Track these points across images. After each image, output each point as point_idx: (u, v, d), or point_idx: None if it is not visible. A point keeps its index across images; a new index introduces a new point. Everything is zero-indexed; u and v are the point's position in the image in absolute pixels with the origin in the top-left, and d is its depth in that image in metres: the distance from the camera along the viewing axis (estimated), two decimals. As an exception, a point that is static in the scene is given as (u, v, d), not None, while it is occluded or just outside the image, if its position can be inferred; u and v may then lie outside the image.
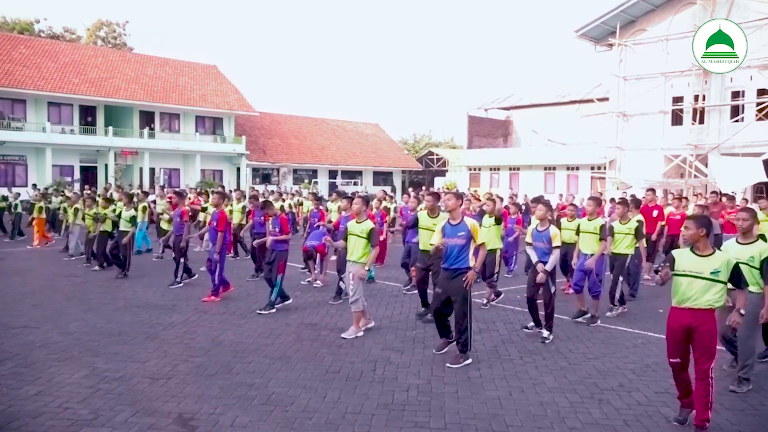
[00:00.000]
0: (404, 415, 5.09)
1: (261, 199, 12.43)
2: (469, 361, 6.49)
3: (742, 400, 5.52)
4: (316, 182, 43.44)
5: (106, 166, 36.36)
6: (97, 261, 12.97)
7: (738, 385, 5.75)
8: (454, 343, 6.63)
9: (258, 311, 8.81)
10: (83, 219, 14.09)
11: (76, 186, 32.72)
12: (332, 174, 47.74)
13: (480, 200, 12.49)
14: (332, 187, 41.90)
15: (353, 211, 7.97)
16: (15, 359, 6.47)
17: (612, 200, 17.48)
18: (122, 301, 9.65)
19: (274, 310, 8.85)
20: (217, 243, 9.62)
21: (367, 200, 8.12)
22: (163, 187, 22.65)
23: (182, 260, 11.04)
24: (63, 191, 21.42)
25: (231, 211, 13.77)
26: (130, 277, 11.84)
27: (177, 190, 18.58)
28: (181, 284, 10.90)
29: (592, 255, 8.47)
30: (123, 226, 12.27)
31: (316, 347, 7.08)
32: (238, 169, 42.39)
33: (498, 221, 9.54)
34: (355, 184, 46.16)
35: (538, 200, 8.79)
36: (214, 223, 9.77)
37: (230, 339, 7.38)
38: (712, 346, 4.78)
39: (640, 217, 9.64)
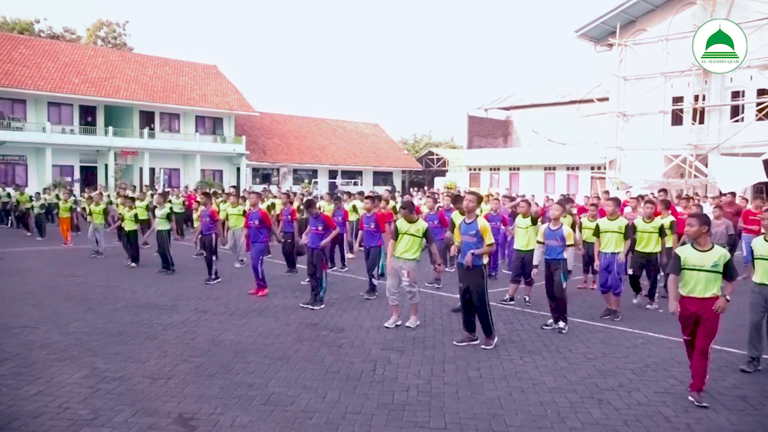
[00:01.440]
0: (404, 415, 5.09)
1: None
2: (495, 340, 7.17)
3: (742, 400, 5.53)
4: (316, 182, 43.45)
5: (106, 166, 36.35)
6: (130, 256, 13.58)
7: (747, 365, 6.33)
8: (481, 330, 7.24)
9: (311, 307, 9.11)
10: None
11: (77, 186, 32.74)
12: (332, 174, 47.73)
13: (498, 200, 12.72)
14: (332, 187, 41.89)
15: (404, 213, 8.22)
16: (15, 359, 6.47)
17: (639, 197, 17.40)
18: (122, 301, 9.65)
19: (323, 305, 9.16)
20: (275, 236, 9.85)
21: (411, 203, 8.60)
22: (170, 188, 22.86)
23: (213, 258, 11.47)
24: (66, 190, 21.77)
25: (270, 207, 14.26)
26: (130, 277, 11.86)
27: (205, 191, 18.89)
28: (219, 279, 11.40)
29: (613, 254, 8.74)
30: (161, 225, 12.87)
31: (316, 347, 7.08)
32: (238, 169, 42.39)
33: (533, 221, 9.68)
34: (355, 184, 46.16)
35: (567, 200, 9.17)
36: (256, 222, 9.98)
37: (230, 339, 7.38)
38: (714, 328, 5.43)
39: (671, 217, 9.89)
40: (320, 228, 9.36)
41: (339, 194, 17.62)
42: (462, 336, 7.33)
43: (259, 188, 32.48)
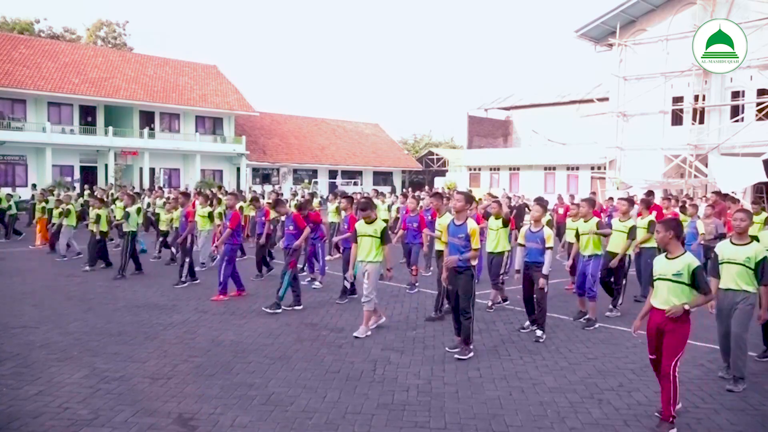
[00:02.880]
0: (404, 415, 5.09)
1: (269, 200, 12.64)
2: (472, 354, 6.71)
3: (742, 400, 5.52)
4: (316, 182, 43.46)
5: (106, 166, 36.35)
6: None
7: (734, 384, 5.79)
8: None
9: (264, 309, 8.88)
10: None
11: (77, 186, 32.73)
12: (332, 174, 47.75)
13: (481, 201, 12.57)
14: (332, 187, 41.90)
15: (362, 214, 7.92)
16: (15, 359, 6.47)
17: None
18: (122, 301, 9.65)
19: (280, 311, 8.89)
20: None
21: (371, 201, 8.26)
22: (161, 188, 22.71)
23: (187, 260, 11.13)
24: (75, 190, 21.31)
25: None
26: (130, 278, 11.84)
27: (183, 190, 18.52)
28: (186, 284, 10.97)
29: (589, 257, 8.43)
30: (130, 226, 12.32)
31: (316, 347, 7.08)
32: (238, 169, 42.39)
33: (505, 223, 9.56)
34: (355, 184, 46.16)
35: (539, 201, 8.94)
36: (291, 227, 9.49)
37: (230, 339, 7.38)
38: (676, 346, 4.85)
39: (651, 217, 9.79)
40: (291, 228, 9.35)
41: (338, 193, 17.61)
42: (454, 343, 7.06)
43: (259, 188, 32.59)
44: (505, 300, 9.67)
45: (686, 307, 4.83)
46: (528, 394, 5.62)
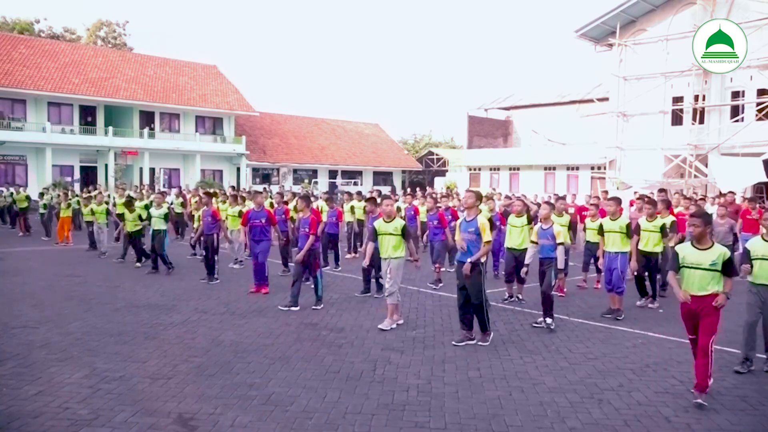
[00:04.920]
0: (404, 415, 5.08)
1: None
2: (491, 336, 7.29)
3: (742, 400, 5.53)
4: (316, 182, 43.46)
5: (106, 166, 36.37)
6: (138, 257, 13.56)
7: (741, 365, 6.29)
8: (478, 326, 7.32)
9: (313, 307, 9.06)
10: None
11: (77, 186, 32.72)
12: (332, 174, 47.75)
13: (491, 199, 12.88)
14: (332, 187, 41.90)
15: (384, 211, 8.13)
16: (15, 359, 6.47)
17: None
18: (122, 301, 9.65)
19: (322, 306, 9.15)
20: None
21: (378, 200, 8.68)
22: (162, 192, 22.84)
23: (216, 258, 11.45)
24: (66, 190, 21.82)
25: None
26: (130, 278, 11.86)
27: (208, 190, 18.73)
28: (218, 281, 11.33)
29: (617, 253, 8.81)
30: (157, 224, 12.73)
31: (316, 347, 7.08)
32: (238, 169, 42.41)
33: (530, 220, 9.74)
34: (355, 184, 46.15)
35: (549, 201, 9.33)
36: (306, 229, 9.42)
37: (230, 339, 7.38)
38: (713, 325, 5.43)
39: (671, 217, 9.95)
40: (306, 229, 9.38)
41: (335, 195, 17.62)
42: (460, 336, 7.33)
43: (259, 188, 32.56)
44: (511, 297, 9.84)
45: (729, 295, 5.41)
46: (528, 394, 5.62)
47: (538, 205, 11.44)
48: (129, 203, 13.70)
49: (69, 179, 34.46)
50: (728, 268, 5.46)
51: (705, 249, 5.50)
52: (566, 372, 6.29)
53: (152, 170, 38.18)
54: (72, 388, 5.62)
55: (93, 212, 15.35)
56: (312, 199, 12.41)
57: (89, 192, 21.16)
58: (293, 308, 9.00)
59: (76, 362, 6.39)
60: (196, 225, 13.82)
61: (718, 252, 5.47)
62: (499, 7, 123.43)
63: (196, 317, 8.54)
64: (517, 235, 9.56)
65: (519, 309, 9.24)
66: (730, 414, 5.20)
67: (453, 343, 7.22)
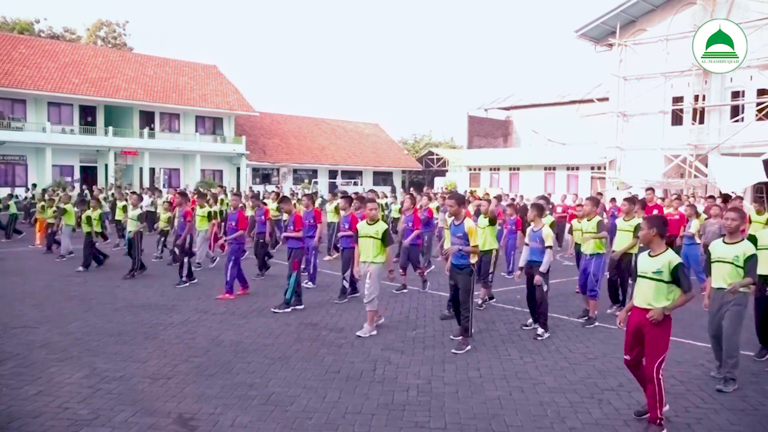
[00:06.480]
0: (404, 415, 5.08)
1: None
2: (469, 347, 7.01)
3: (742, 400, 5.52)
4: (316, 182, 43.43)
5: (106, 166, 36.34)
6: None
7: (724, 384, 5.77)
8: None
9: (273, 309, 8.90)
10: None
11: (77, 186, 32.73)
12: (332, 174, 47.72)
13: (479, 199, 12.63)
14: (332, 187, 41.88)
15: (367, 214, 7.92)
16: (15, 359, 6.47)
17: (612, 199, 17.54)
18: (122, 301, 9.65)
19: (289, 310, 8.89)
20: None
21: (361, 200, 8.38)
22: (159, 190, 22.82)
23: (186, 260, 11.14)
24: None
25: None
26: (130, 278, 11.83)
27: (180, 190, 18.54)
28: (187, 284, 10.96)
29: (591, 255, 8.47)
30: (130, 225, 12.51)
31: (316, 347, 7.08)
32: (238, 169, 42.39)
33: (492, 222, 9.59)
34: (355, 184, 46.14)
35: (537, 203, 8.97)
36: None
37: (230, 339, 7.38)
38: (658, 347, 4.75)
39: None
40: (291, 228, 9.42)
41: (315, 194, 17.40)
42: (458, 330, 7.34)
43: (260, 189, 32.56)
44: (491, 298, 9.72)
45: (666, 312, 4.71)
46: (528, 394, 5.62)
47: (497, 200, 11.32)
48: (124, 207, 13.64)
49: (69, 179, 34.45)
50: (677, 279, 4.70)
51: (654, 256, 4.85)
52: (566, 372, 6.29)
53: (152, 170, 38.16)
54: (72, 388, 5.62)
55: (63, 213, 14.63)
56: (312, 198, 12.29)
57: (57, 195, 20.62)
58: (297, 307, 9.03)
59: (76, 362, 6.39)
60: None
61: (665, 260, 4.75)
62: (499, 8, 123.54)
63: (196, 317, 8.54)
64: (480, 236, 9.20)
65: (519, 309, 9.24)
66: (730, 414, 5.20)
67: (451, 337, 7.27)
